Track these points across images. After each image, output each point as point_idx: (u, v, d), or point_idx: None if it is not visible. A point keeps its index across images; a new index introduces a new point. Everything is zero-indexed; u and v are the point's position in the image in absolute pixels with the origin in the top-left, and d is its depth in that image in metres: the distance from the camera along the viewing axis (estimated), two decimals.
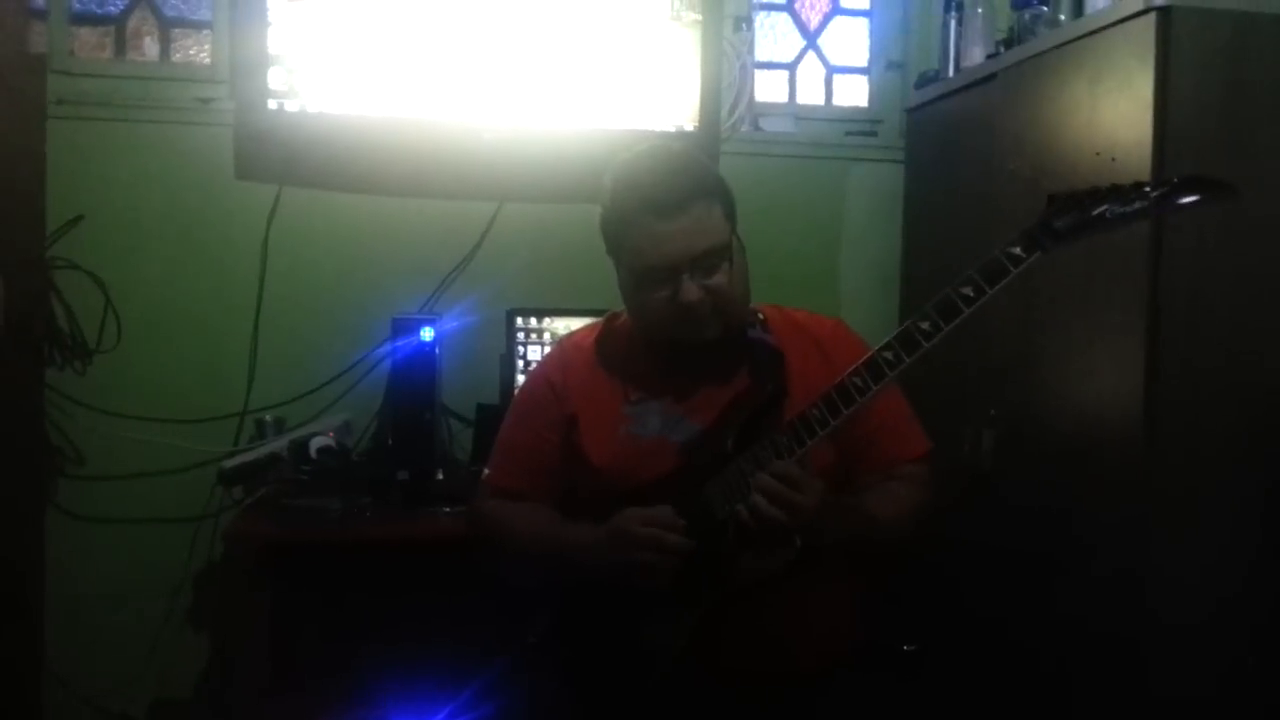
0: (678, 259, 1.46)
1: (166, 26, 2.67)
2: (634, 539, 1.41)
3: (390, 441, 2.42)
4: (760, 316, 1.62)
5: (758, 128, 2.89)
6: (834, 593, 1.56)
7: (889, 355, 1.34)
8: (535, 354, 2.49)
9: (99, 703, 2.52)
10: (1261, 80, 1.84)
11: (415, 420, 2.33)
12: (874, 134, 2.98)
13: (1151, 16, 1.82)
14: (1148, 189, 1.27)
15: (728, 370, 1.57)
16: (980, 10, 2.53)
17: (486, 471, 1.70)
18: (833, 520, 1.44)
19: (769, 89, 2.98)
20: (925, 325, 1.32)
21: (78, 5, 2.62)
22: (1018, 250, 1.31)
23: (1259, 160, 1.84)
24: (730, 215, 1.53)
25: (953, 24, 2.59)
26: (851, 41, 3.05)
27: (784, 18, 3.02)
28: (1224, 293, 1.85)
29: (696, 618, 1.44)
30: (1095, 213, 1.28)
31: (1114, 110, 1.92)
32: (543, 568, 1.60)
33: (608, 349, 1.65)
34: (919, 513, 1.59)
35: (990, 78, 2.35)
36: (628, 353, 1.63)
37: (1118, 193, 1.28)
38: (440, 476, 2.35)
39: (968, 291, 1.31)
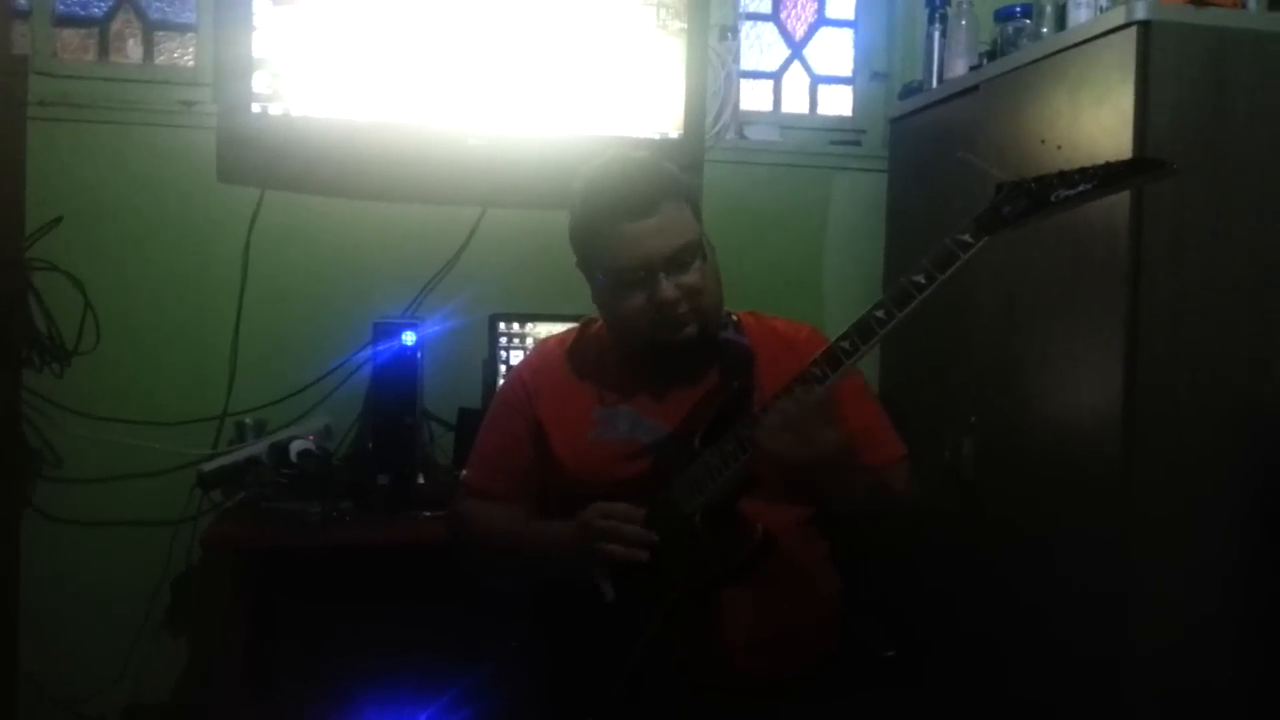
0: (652, 258, 1.48)
1: (150, 29, 2.66)
2: (594, 531, 1.43)
3: (371, 446, 2.41)
4: (734, 319, 1.65)
5: (743, 136, 2.90)
6: (807, 598, 1.56)
7: (846, 344, 1.37)
8: (517, 359, 2.48)
9: (75, 707, 2.49)
10: (1240, 94, 1.86)
11: (396, 424, 2.32)
12: (858, 143, 3.00)
13: (1132, 30, 1.84)
14: (1091, 172, 1.31)
15: (698, 372, 1.58)
16: (964, 22, 2.55)
17: (464, 474, 1.72)
18: (846, 474, 1.42)
19: (754, 98, 2.99)
20: (880, 314, 1.35)
21: (61, 7, 2.61)
22: (966, 237, 1.34)
23: (1237, 173, 1.86)
24: (698, 215, 1.56)
25: (936, 35, 2.61)
26: (836, 52, 3.07)
27: (770, 27, 3.03)
28: (1203, 304, 1.86)
29: (665, 613, 1.44)
30: (1041, 197, 1.32)
31: (1095, 122, 1.94)
32: (514, 566, 1.61)
33: (581, 354, 1.68)
34: (919, 500, 1.61)
35: (973, 89, 2.37)
36: (600, 358, 1.66)
37: (1063, 178, 1.32)
38: (421, 481, 2.34)
39: (920, 279, 1.34)
